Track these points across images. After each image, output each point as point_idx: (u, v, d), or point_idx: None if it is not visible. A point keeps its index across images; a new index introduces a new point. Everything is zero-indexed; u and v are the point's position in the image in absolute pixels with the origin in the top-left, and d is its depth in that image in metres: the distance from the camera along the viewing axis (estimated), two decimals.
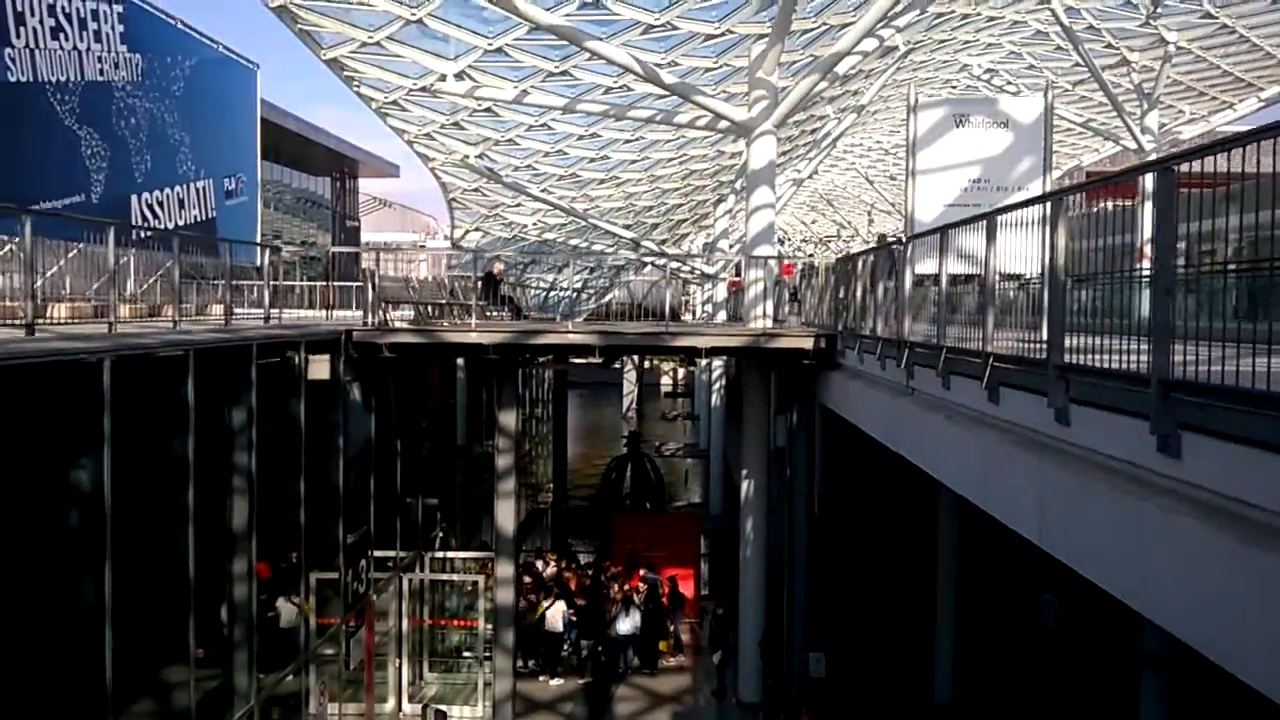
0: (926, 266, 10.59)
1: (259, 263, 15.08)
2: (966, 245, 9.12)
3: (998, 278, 7.68)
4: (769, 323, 15.82)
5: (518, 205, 33.53)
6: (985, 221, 7.87)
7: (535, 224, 35.14)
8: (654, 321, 16.69)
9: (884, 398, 11.26)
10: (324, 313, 15.66)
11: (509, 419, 15.69)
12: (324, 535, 14.22)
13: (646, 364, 75.97)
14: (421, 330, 15.12)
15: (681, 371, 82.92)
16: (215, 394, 11.65)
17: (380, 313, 14.92)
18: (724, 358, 36.41)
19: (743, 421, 18.40)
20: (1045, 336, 6.49)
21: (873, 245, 12.58)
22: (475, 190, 32.01)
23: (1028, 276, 7.63)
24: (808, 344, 14.25)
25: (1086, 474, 5.95)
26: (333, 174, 54.88)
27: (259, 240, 15.28)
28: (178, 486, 10.16)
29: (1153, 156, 20.14)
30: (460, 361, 22.21)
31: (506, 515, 15.94)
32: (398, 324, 15.48)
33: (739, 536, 18.81)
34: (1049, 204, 6.49)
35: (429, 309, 17.84)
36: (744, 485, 18.22)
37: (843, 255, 14.14)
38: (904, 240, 10.60)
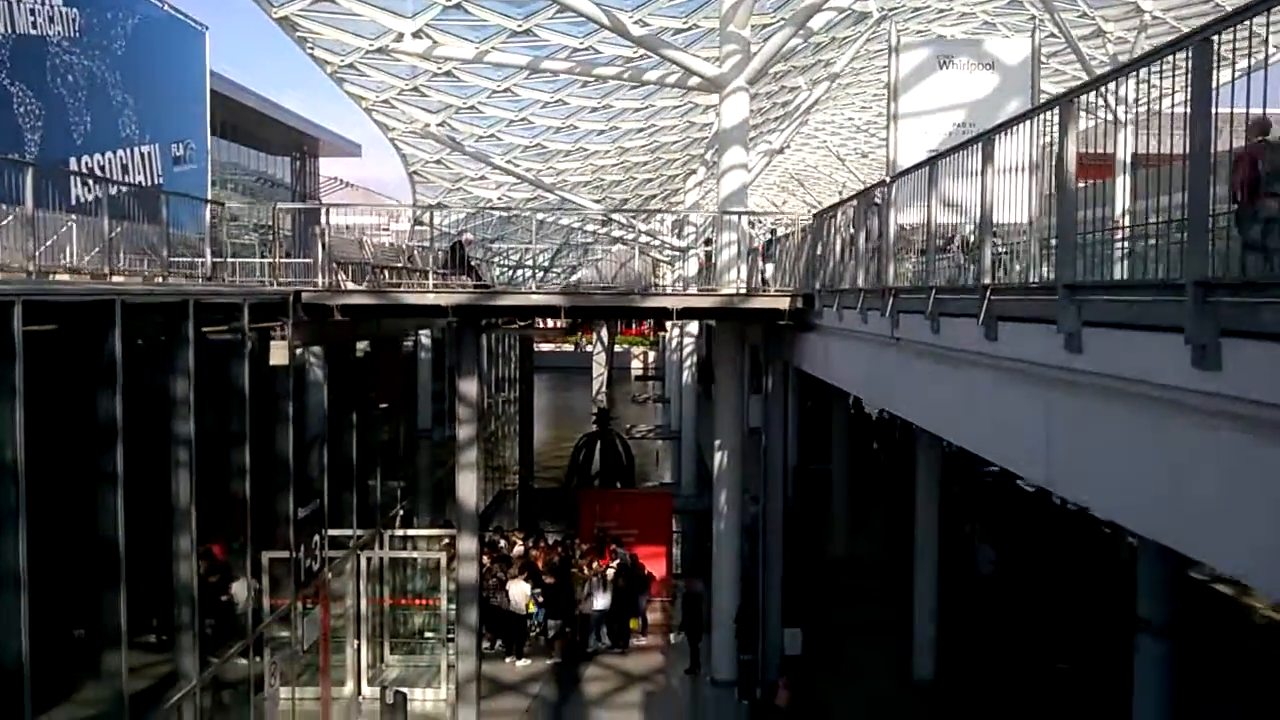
0: (911, 215, 9.98)
1: (209, 240, 14.18)
2: (955, 193, 8.49)
3: (995, 201, 7.04)
4: (742, 286, 15.15)
5: (481, 178, 32.66)
6: (981, 145, 7.23)
7: (501, 198, 34.28)
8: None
9: (867, 352, 10.65)
10: (272, 279, 14.78)
11: (470, 387, 14.92)
12: (271, 509, 13.41)
13: (617, 346, 75.40)
14: (376, 292, 14.32)
15: (652, 355, 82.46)
16: (148, 353, 10.84)
17: (332, 274, 14.08)
18: (695, 334, 35.88)
19: (715, 393, 17.80)
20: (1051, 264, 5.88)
21: (852, 194, 11.97)
22: (438, 162, 31.13)
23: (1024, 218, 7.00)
24: (783, 304, 13.61)
25: (1102, 403, 5.34)
26: (292, 154, 53.42)
27: (209, 211, 14.31)
28: (103, 449, 9.32)
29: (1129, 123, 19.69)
30: (425, 335, 21.41)
31: (468, 489, 15.18)
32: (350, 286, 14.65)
33: (712, 512, 18.21)
34: (1059, 107, 5.86)
35: (385, 273, 17.01)
36: (717, 457, 17.57)
37: (819, 210, 13.47)
38: (887, 180, 9.96)
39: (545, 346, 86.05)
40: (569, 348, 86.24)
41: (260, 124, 43.60)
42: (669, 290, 20.58)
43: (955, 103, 11.39)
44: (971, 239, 8.35)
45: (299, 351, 14.44)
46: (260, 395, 13.35)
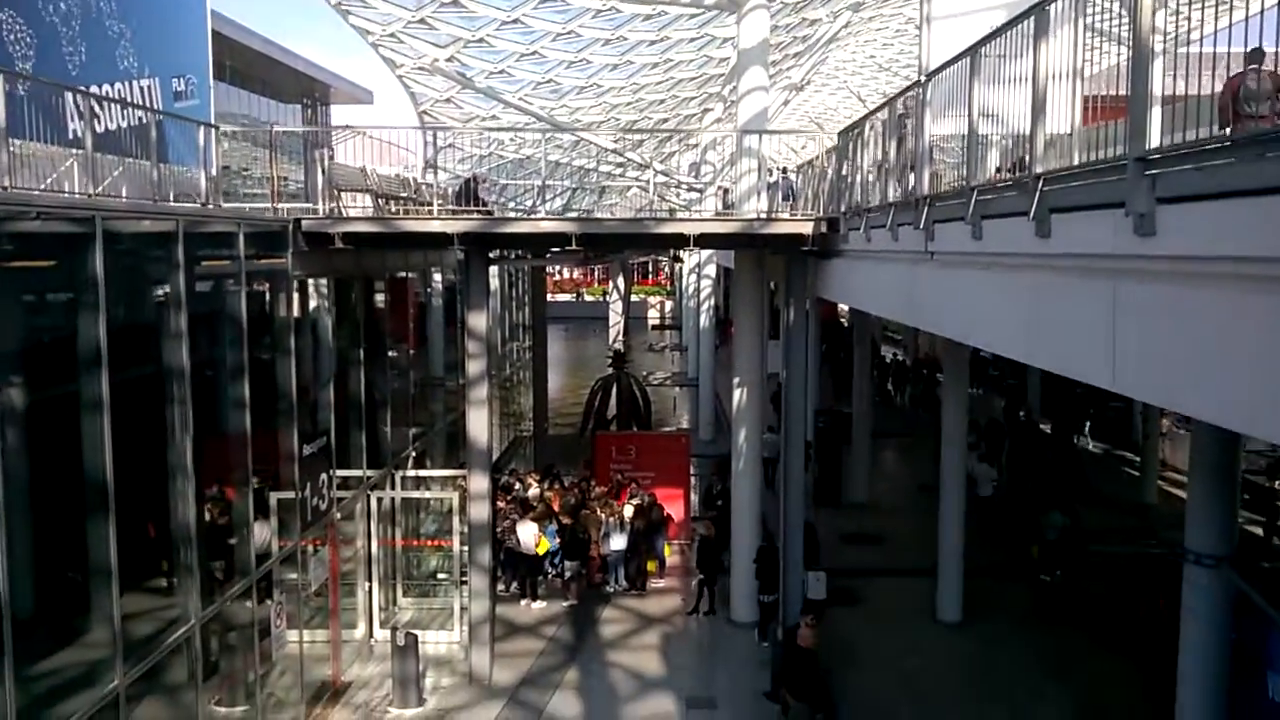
0: (946, 125, 9.24)
1: (205, 164, 13.54)
2: (996, 97, 7.74)
3: (1049, 84, 6.30)
4: (763, 212, 14.41)
5: (493, 118, 31.78)
6: (1034, 18, 6.48)
7: (513, 139, 33.41)
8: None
9: (898, 272, 9.98)
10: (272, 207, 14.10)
11: (479, 320, 14.32)
12: (275, 446, 12.93)
13: (634, 297, 74.59)
14: (378, 219, 13.67)
15: (669, 304, 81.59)
16: (135, 278, 10.30)
17: (334, 201, 13.43)
18: (712, 277, 35.09)
19: (733, 329, 17.17)
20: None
21: (882, 102, 11.14)
22: (447, 101, 30.25)
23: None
24: (806, 229, 12.90)
25: (1179, 290, 4.68)
26: (303, 101, 52.47)
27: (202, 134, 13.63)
28: (87, 378, 8.80)
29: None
30: (439, 278, 20.77)
31: (479, 425, 14.66)
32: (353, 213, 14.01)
33: (730, 451, 17.66)
34: None
35: (391, 204, 16.34)
36: (735, 394, 17.00)
37: (845, 127, 12.71)
38: (922, 80, 9.20)
39: (562, 297, 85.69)
40: (588, 298, 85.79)
41: (268, 70, 42.62)
42: (686, 216, 19.78)
43: (995, 3, 10.53)
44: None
45: (304, 282, 13.89)
46: (261, 327, 12.83)
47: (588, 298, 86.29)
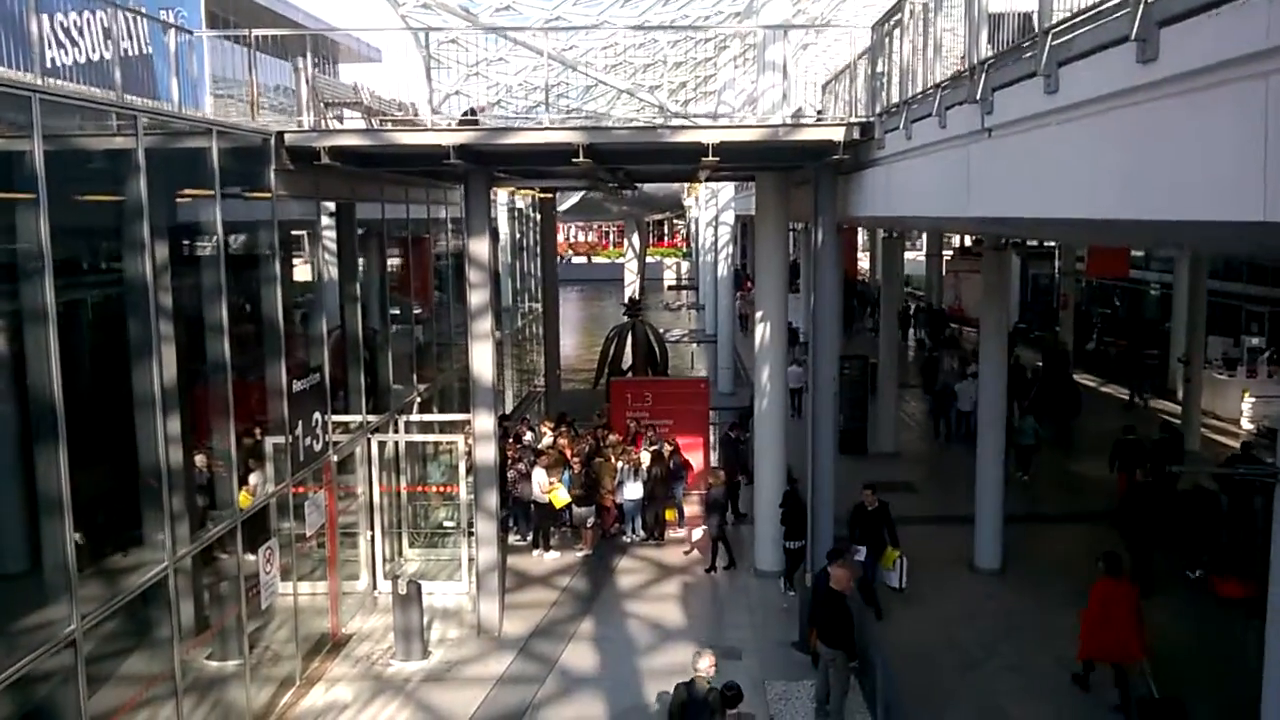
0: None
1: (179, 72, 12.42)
2: None
3: None
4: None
5: (500, 60, 30.57)
6: None
7: (521, 84, 32.19)
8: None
9: (946, 162, 8.82)
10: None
11: (481, 247, 13.24)
12: (259, 379, 11.95)
13: (649, 258, 73.41)
14: (368, 131, 12.59)
15: (685, 265, 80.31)
16: (87, 178, 9.28)
17: (320, 115, 12.33)
18: (730, 225, 33.85)
19: (755, 260, 16.05)
20: None
21: None
22: (453, 42, 29.01)
23: None
24: (837, 134, 11.69)
25: None
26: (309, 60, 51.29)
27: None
28: (28, 289, 7.78)
29: None
30: (442, 211, 19.65)
31: (483, 360, 13.62)
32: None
33: (754, 391, 16.59)
34: None
35: (384, 122, 15.23)
36: (759, 331, 15.88)
37: (879, 19, 11.47)
38: None
39: (577, 260, 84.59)
40: (601, 260, 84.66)
41: (271, 25, 41.47)
42: (704, 124, 18.53)
43: None
44: None
45: (291, 207, 12.83)
46: (239, 250, 11.80)
47: (600, 260, 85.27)
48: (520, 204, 29.58)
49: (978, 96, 7.60)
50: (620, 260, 68.31)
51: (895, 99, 10.83)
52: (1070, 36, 6.03)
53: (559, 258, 33.26)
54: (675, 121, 25.33)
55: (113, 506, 9.46)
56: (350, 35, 56.44)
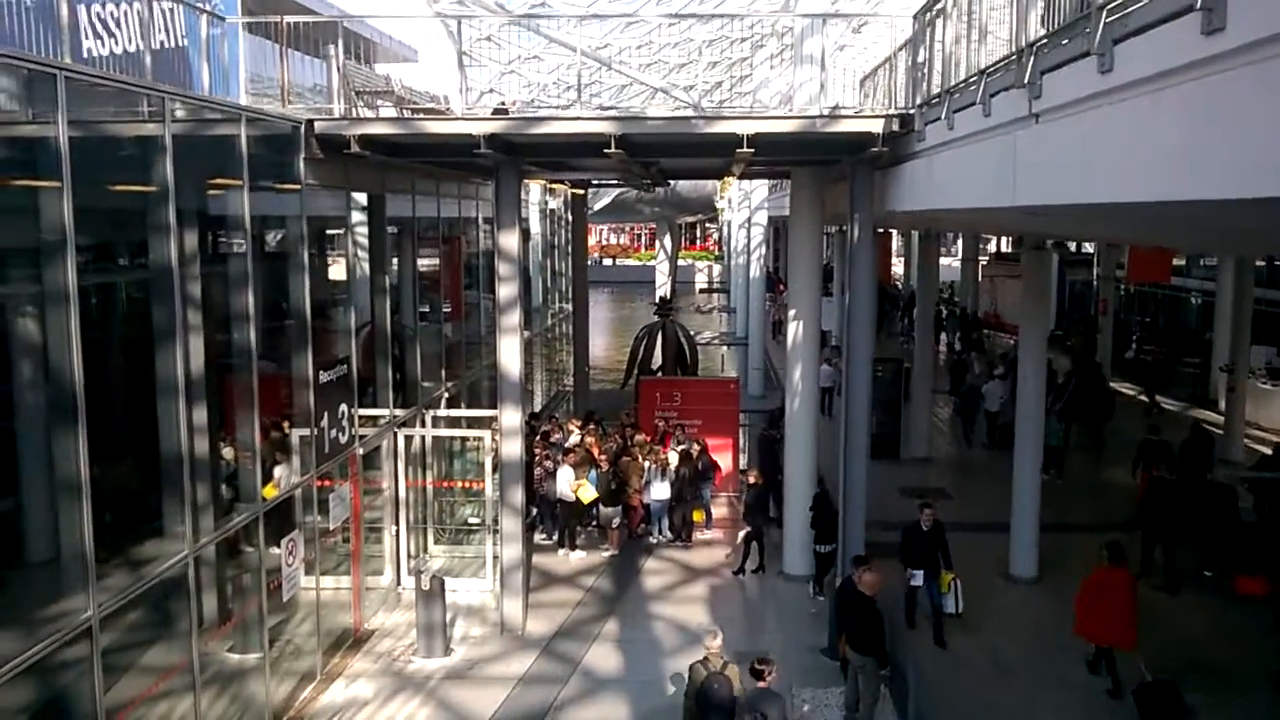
0: None
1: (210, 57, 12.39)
2: None
3: None
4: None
5: (535, 58, 30.48)
6: None
7: (556, 82, 32.09)
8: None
9: (990, 151, 8.52)
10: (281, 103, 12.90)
11: (510, 240, 13.07)
12: (285, 369, 11.84)
13: (681, 261, 73.16)
14: (397, 120, 12.45)
15: (716, 269, 79.94)
16: (114, 162, 9.20)
17: (350, 104, 12.22)
18: (763, 225, 33.54)
19: (789, 247, 15.78)
20: None
21: None
22: (487, 39, 28.97)
23: None
24: (876, 126, 11.41)
25: None
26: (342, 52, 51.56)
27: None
28: (51, 273, 7.69)
29: None
30: (473, 208, 19.54)
31: (511, 354, 13.45)
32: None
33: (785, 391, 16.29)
34: None
35: (415, 114, 15.11)
36: (790, 329, 15.60)
37: (919, 9, 11.17)
38: None
39: (607, 261, 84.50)
40: (631, 263, 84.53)
41: (309, 25, 41.68)
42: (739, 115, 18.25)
43: None
44: None
45: (317, 190, 12.73)
46: (268, 239, 11.73)
47: (631, 262, 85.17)
48: (553, 204, 29.47)
49: (1025, 81, 7.29)
50: (651, 263, 68.17)
51: (936, 89, 10.53)
52: (1126, 12, 5.72)
53: (589, 259, 33.15)
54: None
55: (134, 495, 9.38)
56: (386, 35, 56.79)
